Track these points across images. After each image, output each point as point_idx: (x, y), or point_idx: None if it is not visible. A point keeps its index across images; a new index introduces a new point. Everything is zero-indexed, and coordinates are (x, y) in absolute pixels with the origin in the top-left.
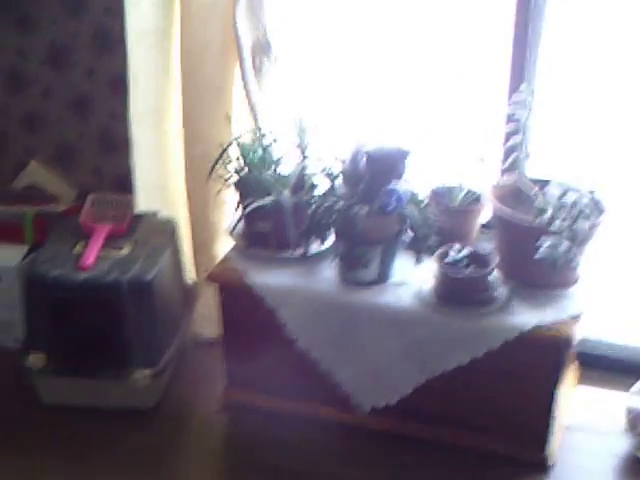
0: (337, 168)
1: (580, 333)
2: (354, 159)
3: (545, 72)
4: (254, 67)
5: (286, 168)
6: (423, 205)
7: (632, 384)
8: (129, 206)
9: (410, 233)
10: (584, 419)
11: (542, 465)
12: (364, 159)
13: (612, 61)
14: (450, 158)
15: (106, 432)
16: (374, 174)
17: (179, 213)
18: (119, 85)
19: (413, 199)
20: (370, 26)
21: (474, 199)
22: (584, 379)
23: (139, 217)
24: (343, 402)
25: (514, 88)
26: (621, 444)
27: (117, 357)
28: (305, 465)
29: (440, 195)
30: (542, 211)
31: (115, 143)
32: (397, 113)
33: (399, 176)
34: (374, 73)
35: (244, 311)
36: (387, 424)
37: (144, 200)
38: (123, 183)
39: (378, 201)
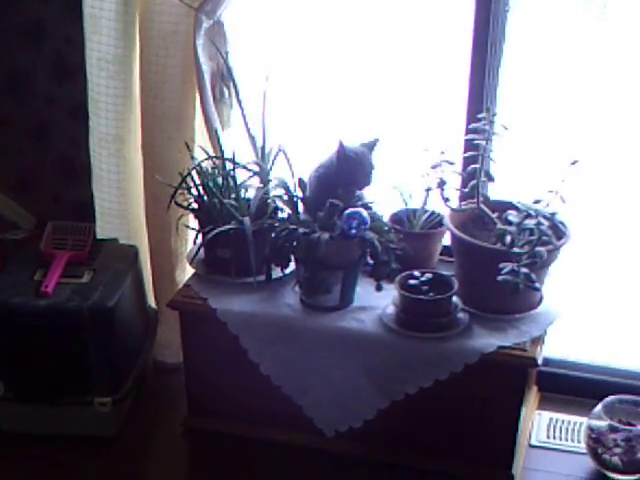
0: (298, 194)
1: (542, 355)
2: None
3: (507, 94)
4: (214, 95)
5: (247, 194)
6: (384, 230)
7: (594, 405)
8: (89, 233)
9: (370, 260)
10: (547, 439)
11: None
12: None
13: (574, 84)
14: (412, 180)
15: (68, 459)
16: (345, 169)
17: (139, 240)
18: (79, 113)
19: (374, 224)
20: (328, 55)
21: (436, 222)
22: (546, 400)
23: (100, 244)
24: (307, 426)
25: (473, 113)
26: (583, 464)
27: (79, 384)
28: None
29: (401, 219)
30: (502, 236)
31: (75, 171)
32: (358, 134)
33: (370, 170)
34: (334, 98)
35: (206, 337)
36: (351, 448)
37: (104, 227)
38: (83, 210)
39: (340, 226)
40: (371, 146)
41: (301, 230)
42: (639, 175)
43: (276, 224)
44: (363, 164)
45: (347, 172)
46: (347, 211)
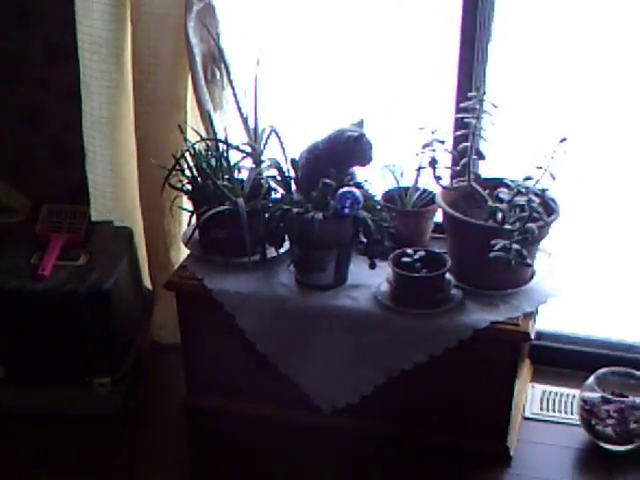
0: (291, 174)
1: (534, 329)
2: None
3: (497, 72)
4: (205, 77)
5: (241, 175)
6: (377, 209)
7: (586, 377)
8: (84, 216)
9: (364, 239)
10: (540, 412)
11: (503, 457)
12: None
13: (564, 61)
14: (402, 158)
15: (68, 440)
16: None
17: (134, 222)
18: (72, 96)
19: (367, 203)
20: (319, 34)
21: (428, 200)
22: (539, 372)
23: (95, 226)
24: (305, 403)
25: (463, 91)
26: (577, 435)
27: (77, 365)
28: (270, 467)
29: (393, 198)
30: (494, 213)
31: (69, 154)
32: (348, 114)
33: (370, 148)
34: (326, 78)
35: (202, 317)
36: (349, 423)
37: (99, 210)
38: (77, 193)
39: (333, 205)
40: (359, 126)
41: (295, 210)
42: (629, 152)
43: (270, 204)
44: (367, 142)
45: (353, 152)
46: (340, 190)
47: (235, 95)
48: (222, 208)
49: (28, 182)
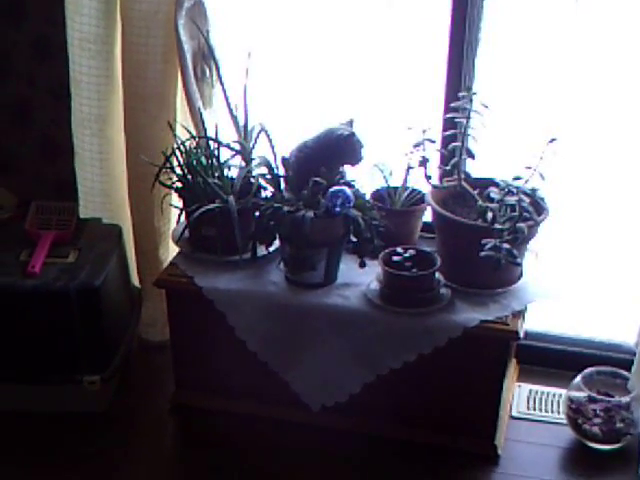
0: (281, 172)
1: (523, 328)
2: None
3: (485, 72)
4: (195, 74)
5: (231, 173)
6: (367, 208)
7: (572, 377)
8: (73, 213)
9: (354, 238)
10: (527, 411)
11: (491, 456)
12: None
13: (552, 61)
14: (390, 157)
15: (56, 437)
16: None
17: (122, 219)
18: (61, 93)
19: (358, 202)
20: (308, 33)
21: (417, 199)
22: (525, 372)
23: (83, 223)
24: (294, 401)
25: (451, 91)
26: (564, 434)
27: (66, 363)
28: (258, 464)
29: (382, 197)
30: (484, 212)
31: (57, 150)
32: (338, 114)
33: (361, 147)
34: (315, 76)
35: (192, 315)
36: (338, 422)
37: (87, 207)
38: (66, 190)
39: (324, 204)
40: (349, 125)
41: (285, 208)
42: (616, 153)
43: (260, 202)
44: (358, 142)
45: (343, 151)
46: (331, 189)
47: (225, 93)
48: (212, 206)
49: (15, 178)
